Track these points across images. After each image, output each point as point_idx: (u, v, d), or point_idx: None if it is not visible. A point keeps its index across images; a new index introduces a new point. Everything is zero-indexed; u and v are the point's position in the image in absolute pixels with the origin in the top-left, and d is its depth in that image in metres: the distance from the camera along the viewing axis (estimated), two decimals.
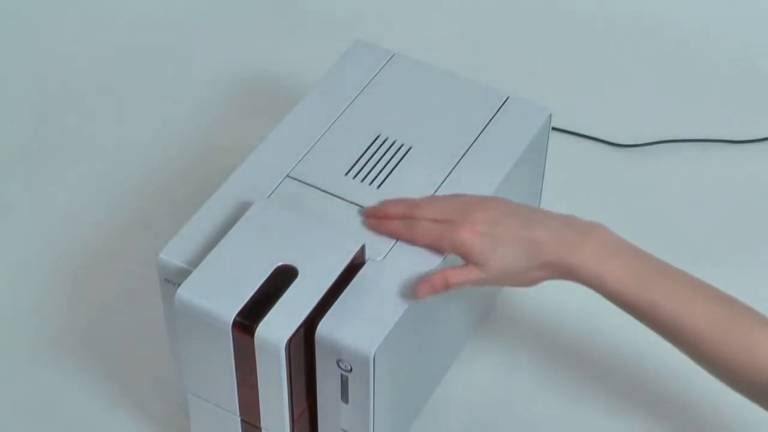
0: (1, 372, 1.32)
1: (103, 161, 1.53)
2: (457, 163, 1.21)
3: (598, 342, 1.33)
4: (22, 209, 1.48)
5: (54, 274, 1.41)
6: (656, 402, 1.29)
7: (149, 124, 1.57)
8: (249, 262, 1.09)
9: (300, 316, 1.06)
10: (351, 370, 1.07)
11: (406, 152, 1.22)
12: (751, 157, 1.54)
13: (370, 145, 1.22)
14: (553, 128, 1.40)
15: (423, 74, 1.30)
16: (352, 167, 1.20)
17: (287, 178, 1.19)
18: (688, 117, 1.58)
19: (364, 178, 1.19)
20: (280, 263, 1.09)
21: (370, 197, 1.17)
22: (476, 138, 1.24)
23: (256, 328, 1.05)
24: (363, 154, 1.22)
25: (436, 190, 1.19)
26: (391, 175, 1.20)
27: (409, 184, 1.19)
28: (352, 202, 1.17)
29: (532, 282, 1.12)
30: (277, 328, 1.05)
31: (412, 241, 1.13)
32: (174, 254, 1.12)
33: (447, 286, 1.10)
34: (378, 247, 1.13)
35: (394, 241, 1.14)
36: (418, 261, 1.12)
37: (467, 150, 1.22)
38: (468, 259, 1.10)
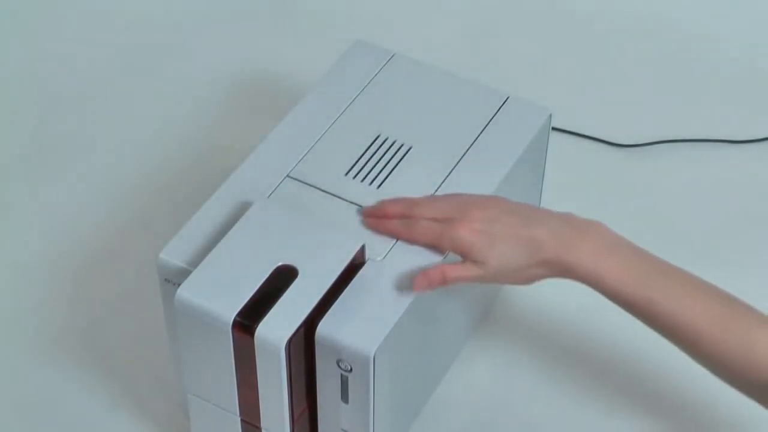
0: (1, 372, 1.32)
1: (103, 161, 1.53)
2: (457, 163, 1.21)
3: (597, 342, 1.33)
4: (22, 209, 1.48)
5: (54, 274, 1.41)
6: (656, 401, 1.29)
7: (149, 124, 1.57)
8: (249, 262, 1.09)
9: (300, 316, 1.06)
10: (351, 370, 1.07)
11: (406, 152, 1.22)
12: (751, 157, 1.54)
13: (370, 145, 1.22)
14: (553, 128, 1.40)
15: (423, 74, 1.30)
16: (352, 167, 1.20)
17: (287, 178, 1.19)
18: (688, 117, 1.58)
19: (364, 178, 1.19)
20: (280, 263, 1.09)
21: (370, 197, 1.17)
22: (476, 138, 1.24)
23: (256, 328, 1.05)
24: (363, 154, 1.22)
25: (436, 190, 1.19)
26: (391, 175, 1.20)
27: (409, 184, 1.19)
28: (352, 202, 1.17)
29: (530, 280, 1.12)
30: (277, 328, 1.05)
31: (411, 240, 1.13)
32: (174, 254, 1.12)
33: (444, 281, 1.10)
34: (378, 247, 1.13)
35: (394, 241, 1.14)
36: (418, 261, 1.12)
37: (467, 150, 1.22)
38: (467, 257, 1.10)
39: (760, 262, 1.42)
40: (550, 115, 1.27)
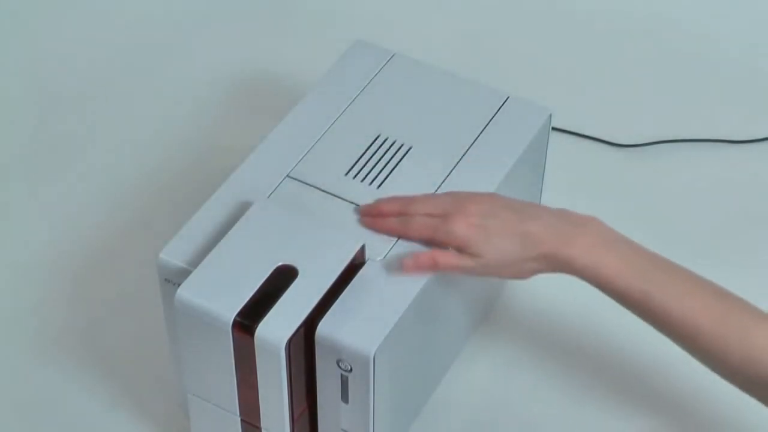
0: (1, 372, 1.32)
1: (103, 161, 1.53)
2: (457, 163, 1.21)
3: (598, 341, 1.33)
4: (22, 209, 1.48)
5: (54, 274, 1.41)
6: (656, 401, 1.29)
7: (149, 124, 1.57)
8: (249, 262, 1.09)
9: (300, 316, 1.06)
10: (351, 370, 1.07)
11: (406, 152, 1.22)
12: (751, 157, 1.54)
13: (370, 145, 1.22)
14: (553, 128, 1.40)
15: (423, 74, 1.30)
16: (352, 167, 1.20)
17: (287, 178, 1.19)
18: (688, 117, 1.58)
19: (364, 178, 1.19)
20: (280, 263, 1.09)
21: (370, 197, 1.17)
22: (476, 138, 1.24)
23: (256, 328, 1.05)
24: (363, 154, 1.22)
25: (436, 190, 1.19)
26: (391, 175, 1.20)
27: (409, 184, 1.19)
28: (352, 202, 1.17)
29: (525, 274, 1.12)
30: (277, 328, 1.05)
31: (407, 237, 1.13)
32: (174, 254, 1.12)
33: (434, 267, 1.10)
34: (378, 247, 1.13)
35: (394, 241, 1.14)
36: None
37: (467, 150, 1.22)
38: (463, 251, 1.10)
39: (760, 262, 1.42)
40: (550, 115, 1.27)
